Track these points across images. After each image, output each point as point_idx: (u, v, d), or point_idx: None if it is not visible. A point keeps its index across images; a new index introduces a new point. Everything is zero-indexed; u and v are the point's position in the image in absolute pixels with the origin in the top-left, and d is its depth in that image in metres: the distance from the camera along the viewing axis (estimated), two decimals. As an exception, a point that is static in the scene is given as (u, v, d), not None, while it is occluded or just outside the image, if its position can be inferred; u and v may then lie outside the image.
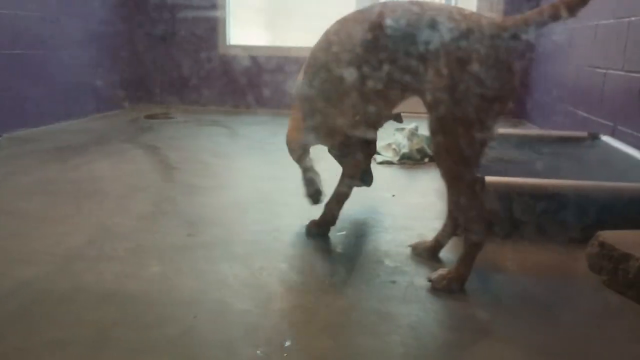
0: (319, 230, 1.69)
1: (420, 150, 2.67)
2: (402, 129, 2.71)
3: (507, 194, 1.76)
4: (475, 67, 1.22)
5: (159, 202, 1.99)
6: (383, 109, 1.55)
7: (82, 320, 1.15)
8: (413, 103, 1.47)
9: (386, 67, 1.36)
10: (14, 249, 1.53)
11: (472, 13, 1.29)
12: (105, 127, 3.57)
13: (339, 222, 1.80)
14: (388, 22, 1.37)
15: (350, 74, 1.43)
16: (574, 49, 3.03)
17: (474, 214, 1.30)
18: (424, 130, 2.24)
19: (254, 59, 4.42)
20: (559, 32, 3.34)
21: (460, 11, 1.29)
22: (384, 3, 1.43)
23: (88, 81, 3.88)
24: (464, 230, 1.35)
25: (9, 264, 1.42)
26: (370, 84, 1.40)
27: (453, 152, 1.28)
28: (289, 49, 4.42)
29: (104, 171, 2.42)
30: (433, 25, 1.28)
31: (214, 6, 4.40)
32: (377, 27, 1.37)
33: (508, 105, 1.28)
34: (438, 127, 1.29)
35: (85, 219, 1.78)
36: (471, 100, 1.23)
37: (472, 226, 1.31)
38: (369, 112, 1.51)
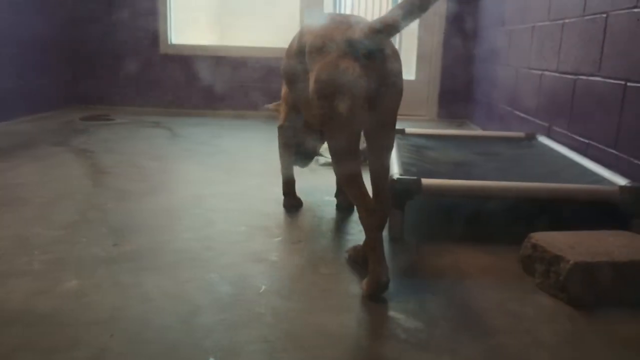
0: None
1: (362, 152, 2.64)
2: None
3: (443, 196, 1.75)
4: (318, 74, 1.29)
5: (85, 209, 1.87)
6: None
7: (-20, 345, 1.04)
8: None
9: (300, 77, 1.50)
10: None
11: (352, 25, 1.31)
12: (34, 130, 3.37)
13: (274, 228, 1.74)
14: (298, 37, 1.55)
15: (288, 72, 1.63)
16: (513, 50, 3.08)
17: (361, 210, 1.30)
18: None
19: (197, 58, 4.30)
20: (500, 34, 3.40)
21: (340, 24, 1.34)
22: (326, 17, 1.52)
23: (16, 81, 3.65)
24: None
25: None
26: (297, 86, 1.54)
27: (329, 147, 1.35)
28: (235, 48, 4.32)
29: (28, 177, 2.26)
30: (304, 39, 1.44)
31: (154, 5, 4.24)
32: (297, 39, 1.55)
33: (359, 111, 1.26)
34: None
35: None
36: (321, 105, 1.28)
37: (363, 223, 1.31)
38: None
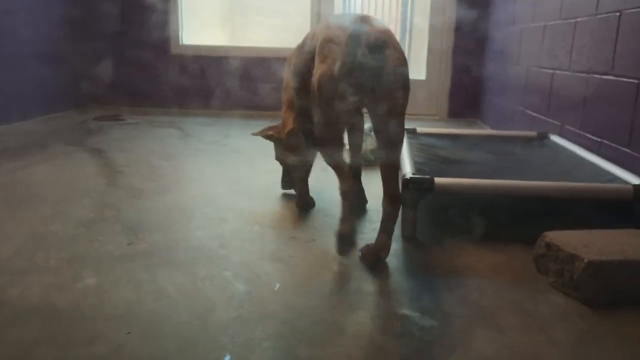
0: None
1: (374, 152, 2.64)
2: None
3: (455, 195, 1.75)
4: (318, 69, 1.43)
5: (100, 207, 1.89)
6: None
7: (1, 338, 1.06)
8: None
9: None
10: None
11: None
12: (49, 130, 3.41)
13: (287, 227, 1.75)
14: (311, 36, 1.68)
15: (298, 68, 1.79)
16: (524, 49, 3.07)
17: (339, 179, 1.47)
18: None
19: (208, 58, 4.32)
20: (510, 33, 3.39)
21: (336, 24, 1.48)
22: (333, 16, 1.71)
23: (31, 81, 3.69)
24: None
25: None
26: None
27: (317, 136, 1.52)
28: (246, 48, 4.34)
29: (43, 175, 2.29)
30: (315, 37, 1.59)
31: (165, 5, 4.27)
32: (309, 38, 1.70)
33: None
34: None
35: (17, 226, 1.67)
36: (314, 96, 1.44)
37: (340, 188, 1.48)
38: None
